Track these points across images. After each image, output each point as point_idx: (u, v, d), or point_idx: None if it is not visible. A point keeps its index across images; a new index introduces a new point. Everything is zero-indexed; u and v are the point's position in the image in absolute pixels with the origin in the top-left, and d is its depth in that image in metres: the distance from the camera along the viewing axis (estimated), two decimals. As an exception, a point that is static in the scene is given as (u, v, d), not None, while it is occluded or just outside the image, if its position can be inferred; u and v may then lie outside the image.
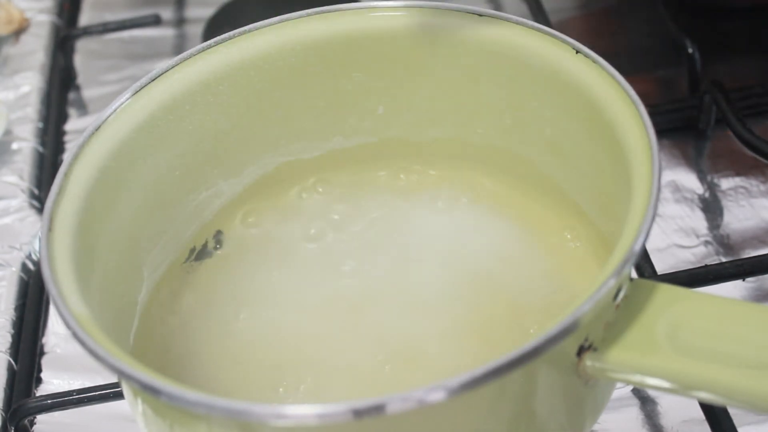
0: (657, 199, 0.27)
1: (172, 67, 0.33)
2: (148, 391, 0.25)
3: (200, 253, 0.35)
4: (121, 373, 0.25)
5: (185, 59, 0.33)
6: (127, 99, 0.32)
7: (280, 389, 0.31)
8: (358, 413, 0.23)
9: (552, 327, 0.25)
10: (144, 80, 0.33)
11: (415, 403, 0.24)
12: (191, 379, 0.32)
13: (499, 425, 0.27)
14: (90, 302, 0.27)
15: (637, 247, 0.26)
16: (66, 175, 0.30)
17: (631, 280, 0.28)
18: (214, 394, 0.24)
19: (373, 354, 0.31)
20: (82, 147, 0.31)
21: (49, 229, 0.29)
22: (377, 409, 0.23)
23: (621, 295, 0.27)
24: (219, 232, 0.36)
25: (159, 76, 0.33)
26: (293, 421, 0.24)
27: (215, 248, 0.36)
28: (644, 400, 0.36)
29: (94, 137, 0.31)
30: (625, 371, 0.27)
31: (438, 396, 0.24)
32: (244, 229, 0.36)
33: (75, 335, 0.26)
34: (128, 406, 0.30)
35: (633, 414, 0.36)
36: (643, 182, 0.27)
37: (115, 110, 0.32)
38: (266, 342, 0.32)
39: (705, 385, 0.26)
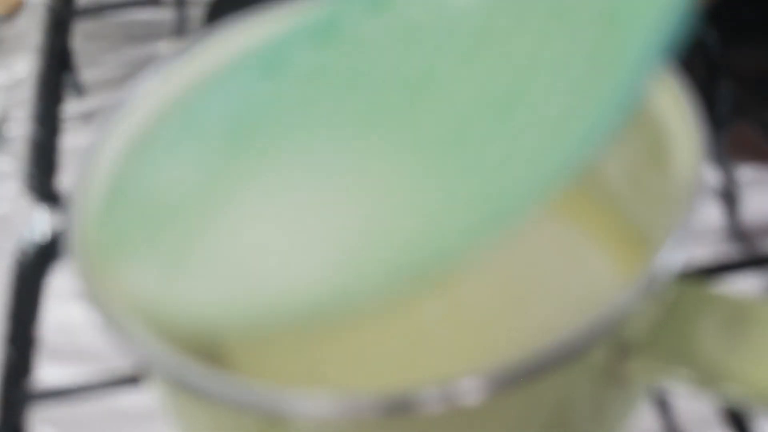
0: (702, 190, 0.26)
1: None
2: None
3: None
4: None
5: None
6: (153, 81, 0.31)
7: None
8: (389, 408, 0.23)
9: (590, 326, 0.24)
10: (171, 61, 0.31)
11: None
12: None
13: (533, 426, 0.26)
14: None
15: (679, 244, 0.25)
16: (91, 160, 0.29)
17: (672, 278, 0.27)
18: None
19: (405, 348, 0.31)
20: (107, 133, 0.30)
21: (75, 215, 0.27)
22: (409, 404, 0.23)
23: (662, 293, 0.26)
24: None
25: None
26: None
27: None
28: (658, 400, 0.35)
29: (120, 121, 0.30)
30: (666, 371, 0.26)
31: (474, 393, 0.23)
32: None
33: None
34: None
35: (647, 414, 0.35)
36: (686, 171, 0.27)
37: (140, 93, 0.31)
38: None
39: (750, 385, 0.25)
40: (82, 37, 0.56)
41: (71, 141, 0.50)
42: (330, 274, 0.24)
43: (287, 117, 0.27)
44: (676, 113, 0.29)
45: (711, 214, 0.42)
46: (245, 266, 0.25)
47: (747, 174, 0.43)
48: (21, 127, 0.50)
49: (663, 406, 0.35)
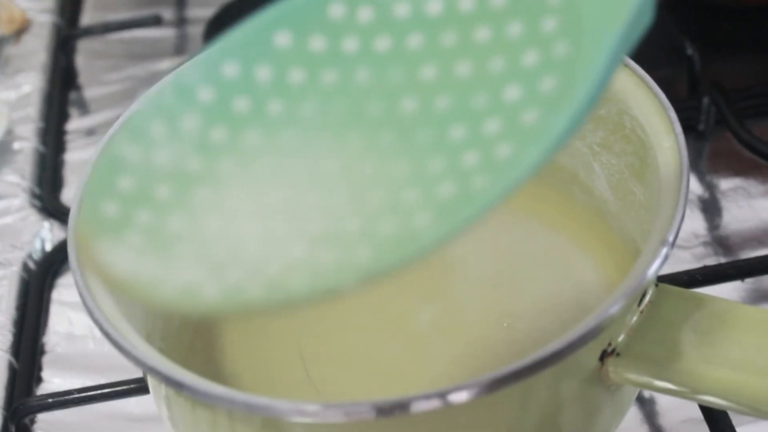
0: (685, 202, 0.27)
1: None
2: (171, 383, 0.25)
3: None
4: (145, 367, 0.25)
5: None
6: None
7: None
8: (381, 411, 0.24)
9: (575, 331, 0.24)
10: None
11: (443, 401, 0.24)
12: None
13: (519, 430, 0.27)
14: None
15: (664, 252, 0.26)
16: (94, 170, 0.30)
17: (656, 285, 0.28)
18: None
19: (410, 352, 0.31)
20: (107, 143, 0.30)
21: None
22: (401, 408, 0.24)
23: (646, 300, 0.27)
24: None
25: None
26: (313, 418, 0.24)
27: None
28: (643, 400, 0.36)
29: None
30: (648, 378, 0.27)
31: (463, 396, 0.24)
32: None
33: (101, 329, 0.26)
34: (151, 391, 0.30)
35: (632, 414, 0.35)
36: (671, 183, 0.27)
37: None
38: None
39: (727, 393, 0.26)
40: (86, 55, 0.57)
41: (75, 156, 0.50)
42: (314, 258, 0.24)
43: (267, 100, 0.27)
44: (660, 126, 0.29)
45: (693, 223, 0.42)
46: (228, 246, 0.25)
47: (728, 184, 0.43)
48: (27, 142, 0.50)
49: (648, 405, 0.36)
